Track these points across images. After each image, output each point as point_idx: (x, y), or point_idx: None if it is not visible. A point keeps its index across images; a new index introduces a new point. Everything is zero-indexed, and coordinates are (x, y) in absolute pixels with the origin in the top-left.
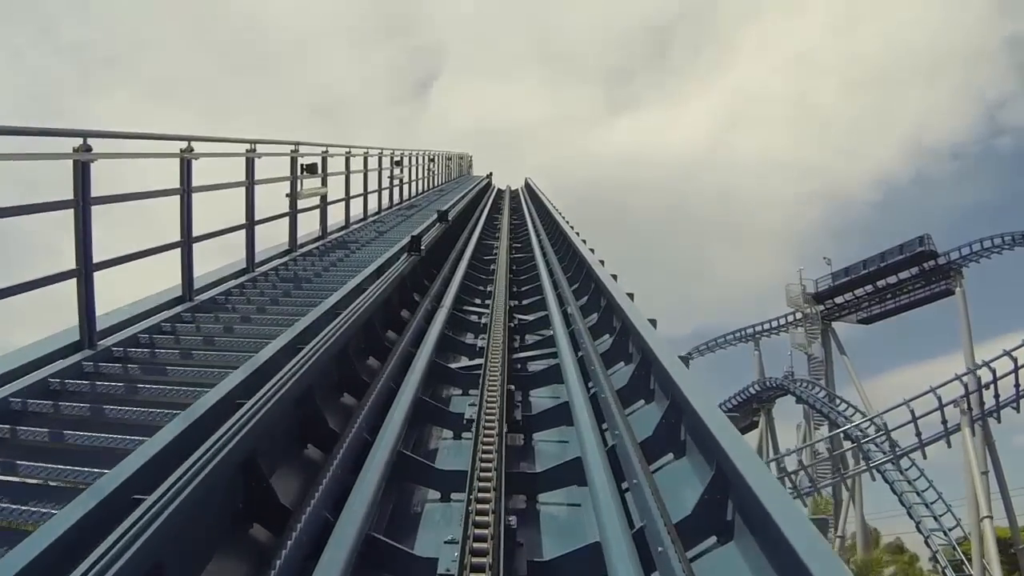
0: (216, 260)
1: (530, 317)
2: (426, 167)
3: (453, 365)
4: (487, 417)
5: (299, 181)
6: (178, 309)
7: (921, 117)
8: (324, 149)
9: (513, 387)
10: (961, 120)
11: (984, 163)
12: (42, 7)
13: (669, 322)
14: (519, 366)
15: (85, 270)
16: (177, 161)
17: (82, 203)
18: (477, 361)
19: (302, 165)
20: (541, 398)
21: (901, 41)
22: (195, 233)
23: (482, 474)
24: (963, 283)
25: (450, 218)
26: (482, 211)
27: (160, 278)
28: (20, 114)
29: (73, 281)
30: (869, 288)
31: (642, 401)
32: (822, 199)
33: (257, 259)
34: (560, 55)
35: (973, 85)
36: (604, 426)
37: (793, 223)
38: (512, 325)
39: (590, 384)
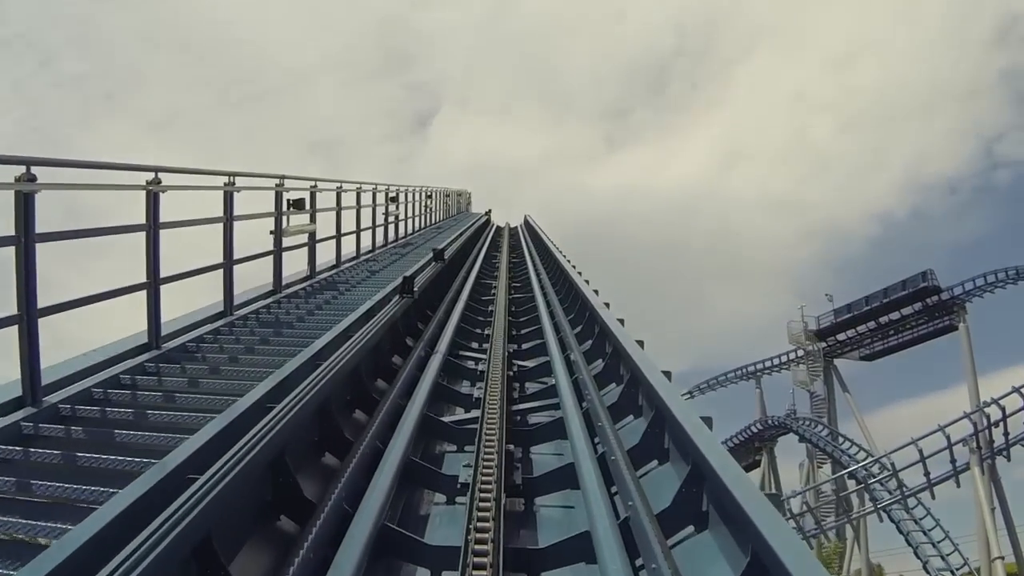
0: (200, 303)
1: (530, 364)
2: (423, 204)
3: (447, 419)
4: (483, 480)
5: (285, 217)
6: (142, 358)
7: (918, 151)
8: (312, 184)
9: (512, 447)
10: (959, 154)
11: (982, 196)
12: (42, 40)
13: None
14: (519, 418)
15: (27, 315)
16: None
17: (24, 239)
18: (473, 414)
19: (288, 200)
20: (543, 455)
21: (897, 75)
22: (164, 273)
23: (477, 547)
24: (966, 318)
25: (446, 257)
26: (480, 249)
27: (134, 323)
28: (20, 145)
29: (12, 329)
30: (871, 324)
31: (655, 462)
32: (820, 235)
33: (237, 301)
34: (558, 91)
35: (970, 118)
36: (614, 490)
37: (791, 259)
38: (511, 373)
39: (596, 440)
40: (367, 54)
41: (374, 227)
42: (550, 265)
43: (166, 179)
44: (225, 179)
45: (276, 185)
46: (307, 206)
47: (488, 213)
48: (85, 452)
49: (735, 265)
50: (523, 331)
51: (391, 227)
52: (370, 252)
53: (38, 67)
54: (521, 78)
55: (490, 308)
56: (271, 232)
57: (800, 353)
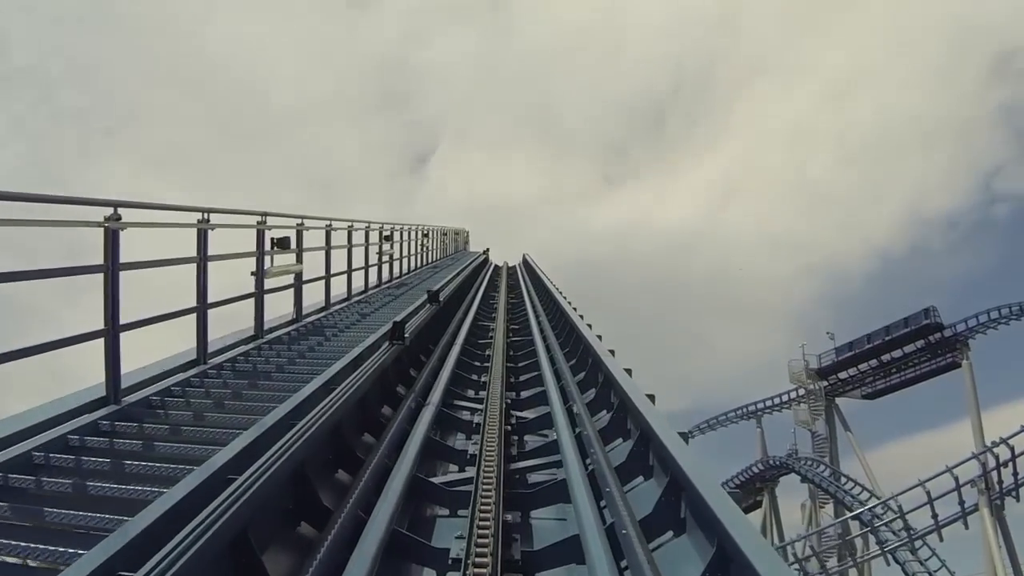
0: (167, 350)
1: (530, 415)
2: (419, 242)
3: (438, 479)
4: (477, 555)
5: (268, 257)
6: (97, 415)
7: (917, 186)
8: (299, 221)
9: (510, 517)
10: (957, 188)
11: (982, 231)
12: (43, 74)
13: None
14: (517, 477)
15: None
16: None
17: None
18: (468, 473)
19: (272, 239)
20: (545, 522)
21: (895, 109)
22: (131, 318)
23: None
24: (969, 355)
25: (441, 299)
26: (478, 289)
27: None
28: (19, 180)
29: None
30: (873, 362)
31: (671, 534)
32: (819, 272)
33: (213, 348)
34: (556, 129)
35: (968, 153)
36: (624, 564)
37: (791, 296)
38: (509, 427)
39: (603, 505)
40: (366, 92)
41: (367, 267)
42: (549, 306)
43: (128, 215)
44: (198, 215)
45: (258, 223)
46: (292, 245)
47: (486, 252)
48: None
49: (734, 302)
50: (522, 378)
51: (385, 267)
52: (362, 293)
53: (38, 101)
54: (519, 116)
55: (487, 352)
56: (252, 273)
57: (801, 392)
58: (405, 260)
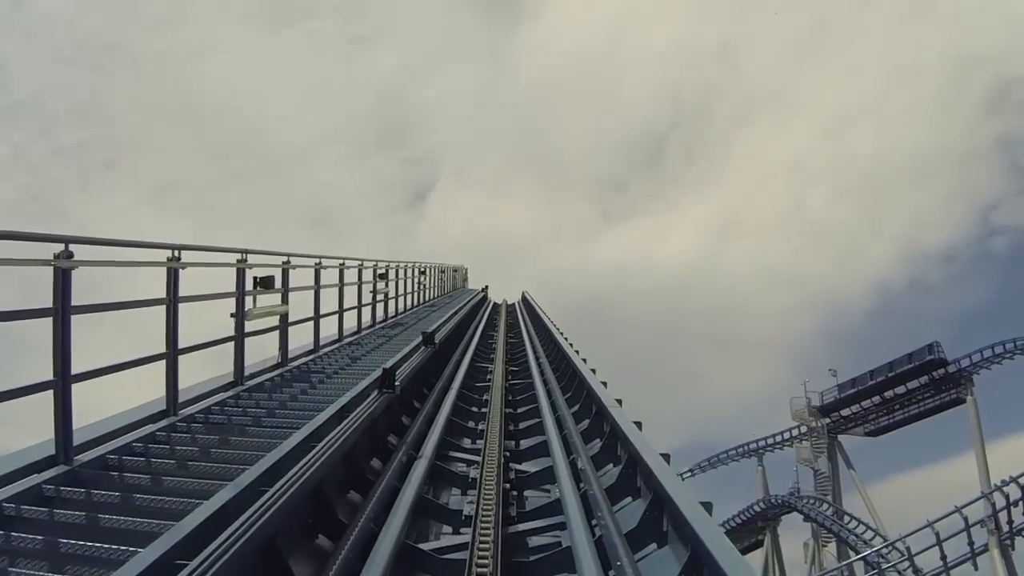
0: (141, 400)
1: (530, 468)
2: (416, 280)
3: (429, 546)
4: None
5: (251, 298)
6: (50, 473)
7: (915, 220)
8: (285, 259)
9: None
10: (955, 222)
11: (980, 264)
12: (44, 108)
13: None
14: (517, 541)
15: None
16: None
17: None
18: (462, 537)
19: (255, 278)
20: None
21: (893, 143)
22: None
23: None
24: (974, 391)
25: (437, 341)
26: (476, 328)
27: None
28: (20, 212)
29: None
30: (876, 399)
31: None
32: (818, 307)
33: (185, 397)
34: (555, 165)
35: (966, 186)
36: None
37: (790, 331)
38: (507, 485)
39: None
40: (365, 128)
41: (359, 306)
42: (550, 347)
43: (82, 252)
44: (168, 253)
45: (238, 261)
46: (277, 284)
47: (485, 290)
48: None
49: (733, 337)
50: (522, 425)
51: (380, 306)
52: (354, 334)
53: (39, 134)
54: (518, 152)
55: (485, 397)
56: (232, 315)
57: (803, 430)
58: (401, 298)
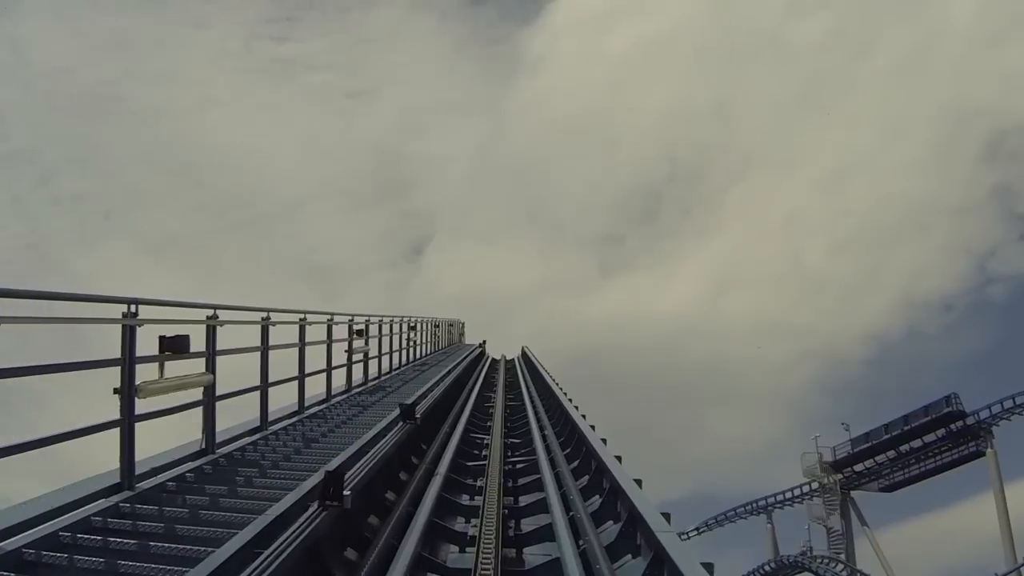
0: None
1: None
2: (406, 337)
3: None
4: None
5: (159, 364)
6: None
7: (911, 270)
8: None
9: None
10: (952, 271)
11: (978, 313)
12: (43, 157)
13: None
14: None
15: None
16: None
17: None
18: None
19: (162, 337)
20: None
21: (888, 194)
22: None
23: None
24: (993, 443)
25: (419, 414)
26: (472, 389)
27: None
28: (16, 262)
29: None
30: (892, 454)
31: None
32: (816, 359)
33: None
34: (551, 219)
35: (962, 235)
36: None
37: (787, 383)
38: None
39: None
40: (363, 181)
41: (328, 369)
42: (555, 413)
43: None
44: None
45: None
46: (200, 346)
47: (483, 345)
48: None
49: (731, 390)
50: (525, 526)
51: (360, 365)
52: (321, 403)
53: (37, 184)
54: (514, 206)
55: (478, 483)
56: (115, 391)
57: (815, 486)
58: (385, 357)
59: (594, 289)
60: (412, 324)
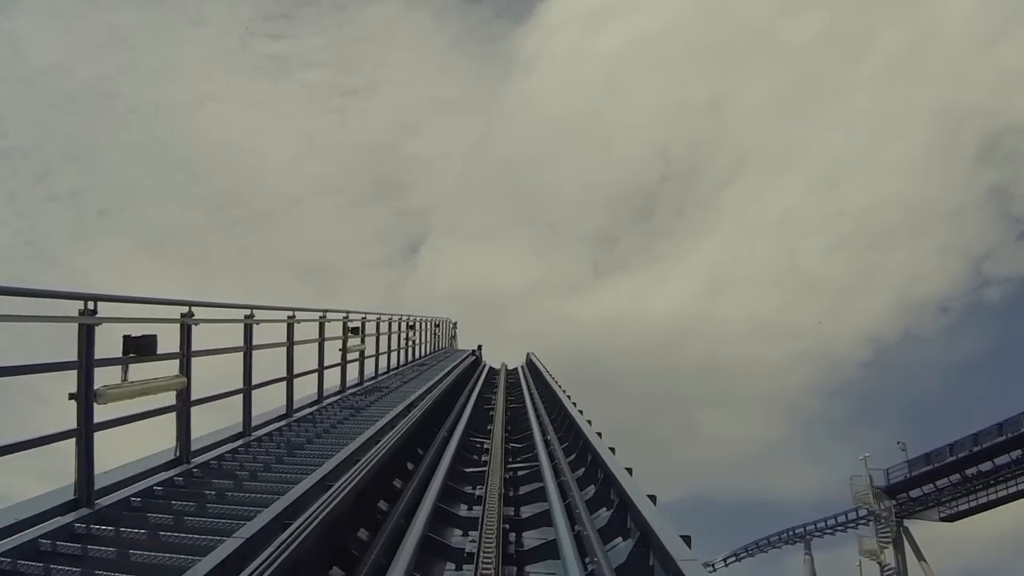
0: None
1: None
2: (404, 336)
3: None
4: None
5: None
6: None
7: (907, 272)
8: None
9: None
10: (948, 273)
11: (974, 315)
12: (39, 154)
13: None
14: None
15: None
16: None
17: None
18: None
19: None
20: None
21: (883, 195)
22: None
23: None
24: None
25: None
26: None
27: None
28: (14, 259)
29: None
30: (955, 477)
31: None
32: (812, 360)
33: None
34: (545, 219)
35: (957, 237)
36: None
37: (782, 384)
38: None
39: None
40: (359, 180)
41: (320, 369)
42: (572, 441)
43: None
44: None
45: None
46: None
47: (478, 350)
48: None
49: (726, 391)
50: None
51: (356, 365)
52: (312, 404)
53: (34, 180)
54: (508, 206)
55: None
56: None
57: (862, 512)
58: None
59: (588, 288)
60: (411, 323)
